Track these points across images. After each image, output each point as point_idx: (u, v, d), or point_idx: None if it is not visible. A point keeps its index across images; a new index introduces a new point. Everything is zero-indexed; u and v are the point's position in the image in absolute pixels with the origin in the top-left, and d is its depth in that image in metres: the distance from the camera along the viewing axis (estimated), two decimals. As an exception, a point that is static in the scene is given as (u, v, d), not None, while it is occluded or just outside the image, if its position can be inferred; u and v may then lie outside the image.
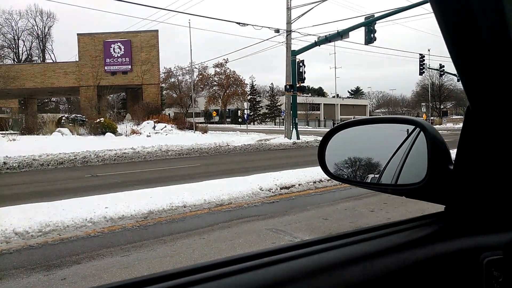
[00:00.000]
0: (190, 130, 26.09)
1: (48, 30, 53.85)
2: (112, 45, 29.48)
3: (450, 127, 38.44)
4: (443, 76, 43.25)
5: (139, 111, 26.71)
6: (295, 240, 4.23)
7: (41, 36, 53.56)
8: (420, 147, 0.83)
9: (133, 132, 22.57)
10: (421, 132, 0.85)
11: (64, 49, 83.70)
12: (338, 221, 5.10)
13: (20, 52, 53.00)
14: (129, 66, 29.65)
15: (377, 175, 0.95)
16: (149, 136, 21.84)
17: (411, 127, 0.91)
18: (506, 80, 0.63)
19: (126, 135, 21.83)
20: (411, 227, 0.79)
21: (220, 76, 56.85)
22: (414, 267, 0.70)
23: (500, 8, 0.57)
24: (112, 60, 29.61)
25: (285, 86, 22.24)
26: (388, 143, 0.99)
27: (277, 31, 22.07)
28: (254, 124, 59.80)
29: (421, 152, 0.82)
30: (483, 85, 0.66)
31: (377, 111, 79.94)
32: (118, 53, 29.55)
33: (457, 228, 0.77)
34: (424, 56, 31.75)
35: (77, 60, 30.44)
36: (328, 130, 1.07)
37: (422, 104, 53.07)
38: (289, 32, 21.75)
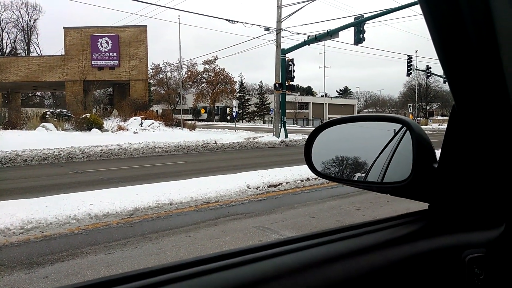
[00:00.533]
0: (178, 127, 25.87)
1: (33, 22, 52.62)
2: (100, 40, 28.98)
3: (436, 127, 39.12)
4: (430, 77, 44.00)
5: (126, 107, 26.32)
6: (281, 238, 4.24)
7: (26, 28, 52.30)
8: (406, 145, 0.83)
9: (120, 128, 22.26)
10: (407, 131, 0.85)
11: (50, 43, 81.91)
12: (325, 219, 5.13)
13: (4, 44, 51.66)
14: (117, 61, 29.20)
15: (364, 174, 0.95)
16: (136, 132, 21.58)
17: (398, 126, 0.91)
18: (491, 80, 0.63)
19: (112, 131, 21.51)
20: (395, 224, 0.80)
21: (209, 73, 56.56)
22: (397, 265, 0.70)
23: (487, 8, 0.57)
24: (99, 54, 29.11)
25: (274, 84, 22.25)
26: (375, 141, 0.99)
27: (267, 29, 22.06)
28: (242, 122, 59.71)
29: (406, 151, 0.82)
30: (468, 85, 0.66)
31: (364, 110, 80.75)
32: (106, 47, 29.06)
33: (440, 226, 0.78)
34: (411, 58, 32.22)
35: (63, 54, 29.80)
36: (315, 127, 1.06)
37: (409, 104, 53.81)
38: (279, 30, 21.76)
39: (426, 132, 0.84)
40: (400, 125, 0.89)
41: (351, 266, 0.66)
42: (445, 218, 0.80)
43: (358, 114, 1.08)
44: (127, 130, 22.14)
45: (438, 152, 0.79)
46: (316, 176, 1.06)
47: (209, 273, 0.57)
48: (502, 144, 0.69)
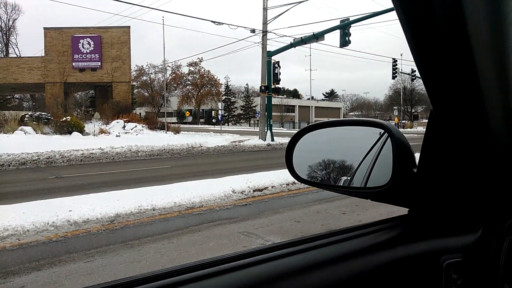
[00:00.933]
0: (162, 130, 25.62)
1: (12, 23, 51.26)
2: (81, 41, 28.45)
3: (421, 130, 39.74)
4: (415, 80, 44.96)
5: (108, 110, 25.92)
6: (267, 243, 4.20)
7: (4, 29, 50.94)
8: (388, 150, 0.83)
9: (102, 131, 21.89)
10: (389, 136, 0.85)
11: (29, 44, 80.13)
12: (310, 223, 5.12)
13: (-19, 45, 50.17)
14: (99, 63, 28.72)
15: (348, 178, 0.94)
16: (119, 136, 21.26)
17: (382, 130, 0.89)
18: (466, 85, 0.64)
19: (94, 135, 21.14)
20: (375, 230, 0.80)
21: (194, 75, 56.16)
22: (376, 271, 0.70)
23: (460, 14, 0.58)
24: (80, 56, 28.57)
25: (260, 87, 22.26)
26: (359, 146, 0.98)
27: (253, 31, 22.09)
28: (228, 125, 59.61)
29: (388, 156, 0.82)
30: (444, 90, 0.68)
31: (350, 113, 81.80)
32: (87, 49, 28.54)
33: (419, 231, 0.79)
34: (396, 61, 32.78)
35: (43, 55, 29.14)
36: (296, 132, 1.05)
37: (394, 107, 54.76)
38: (265, 32, 21.82)
39: (411, 135, 0.83)
40: (383, 130, 0.88)
41: (329, 273, 0.66)
42: (424, 223, 0.81)
43: (339, 119, 1.08)
44: (109, 133, 21.80)
45: (417, 156, 0.79)
46: (297, 181, 1.05)
47: (180, 285, 0.56)
48: (478, 149, 0.70)
